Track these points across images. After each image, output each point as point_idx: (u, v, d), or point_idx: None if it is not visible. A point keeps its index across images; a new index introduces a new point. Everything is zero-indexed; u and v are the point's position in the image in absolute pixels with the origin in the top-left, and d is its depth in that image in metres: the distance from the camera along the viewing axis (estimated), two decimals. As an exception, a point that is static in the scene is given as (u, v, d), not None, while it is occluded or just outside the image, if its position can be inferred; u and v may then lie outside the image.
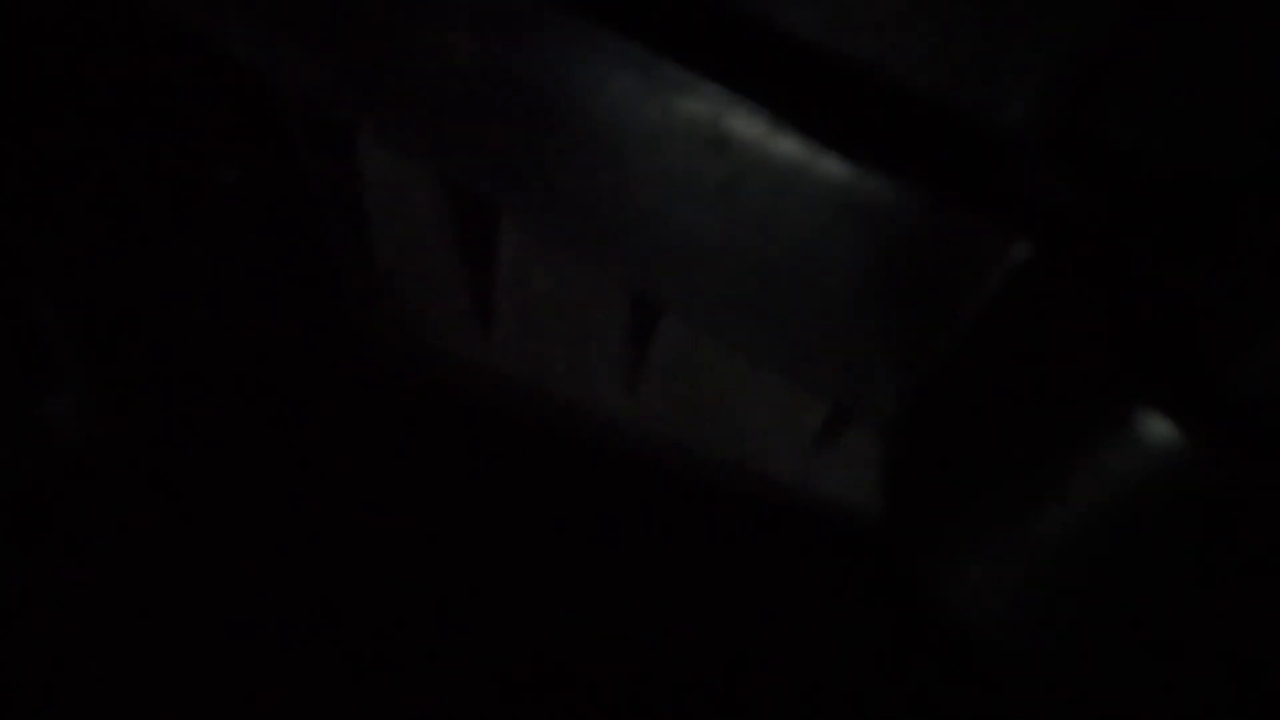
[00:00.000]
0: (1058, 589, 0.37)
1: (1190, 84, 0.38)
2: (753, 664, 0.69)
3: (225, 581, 0.68)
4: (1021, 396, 0.38)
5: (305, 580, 0.70)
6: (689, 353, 0.69)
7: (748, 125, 0.43)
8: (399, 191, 0.72)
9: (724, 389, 0.70)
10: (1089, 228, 0.38)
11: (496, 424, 0.76)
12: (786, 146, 0.42)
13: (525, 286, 0.72)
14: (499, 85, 0.47)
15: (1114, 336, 0.35)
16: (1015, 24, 0.39)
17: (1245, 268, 0.35)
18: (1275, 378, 0.33)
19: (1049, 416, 0.36)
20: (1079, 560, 0.36)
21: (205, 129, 0.77)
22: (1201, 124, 0.38)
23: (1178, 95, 0.38)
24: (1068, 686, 0.39)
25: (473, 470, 0.76)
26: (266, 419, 0.75)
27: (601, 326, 0.71)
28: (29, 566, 0.66)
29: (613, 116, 0.45)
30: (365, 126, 0.59)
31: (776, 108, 0.42)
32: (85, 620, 0.66)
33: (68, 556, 0.67)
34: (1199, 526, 0.34)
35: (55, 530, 0.68)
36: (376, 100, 0.52)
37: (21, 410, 0.69)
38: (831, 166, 0.42)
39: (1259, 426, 0.33)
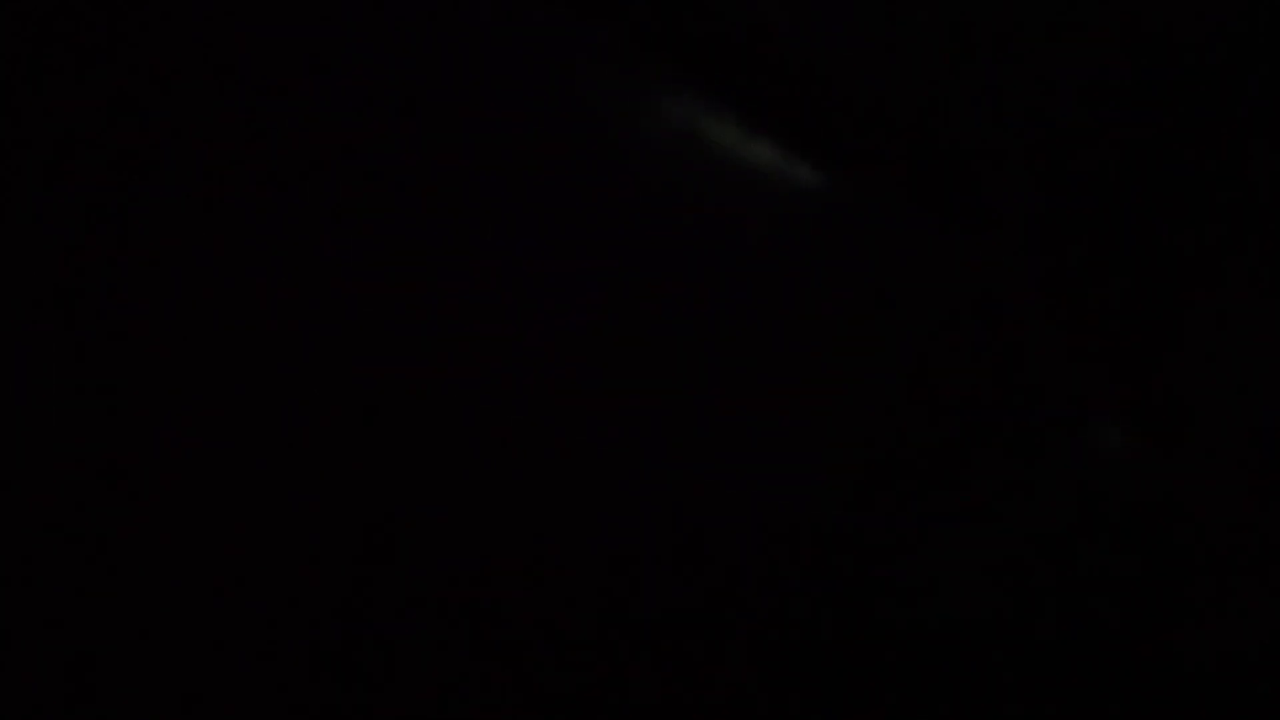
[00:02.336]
0: (1013, 589, 0.38)
1: (1162, 100, 0.39)
2: (723, 658, 0.69)
3: (197, 571, 0.68)
4: (978, 401, 0.38)
5: (282, 576, 0.69)
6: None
7: (722, 129, 0.43)
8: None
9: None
10: (1049, 237, 0.39)
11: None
12: (761, 151, 0.43)
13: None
14: (474, 79, 0.47)
15: (1068, 344, 0.35)
16: (992, 35, 0.40)
17: (1199, 277, 0.36)
18: (1225, 386, 0.34)
19: (1004, 422, 0.37)
20: (1031, 564, 0.37)
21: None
22: (1168, 140, 0.39)
23: (1148, 110, 0.39)
24: (1026, 685, 0.39)
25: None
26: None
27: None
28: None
29: (585, 116, 0.45)
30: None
31: (752, 112, 0.42)
32: (58, 617, 0.65)
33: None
34: (1148, 532, 0.35)
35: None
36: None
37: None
38: (805, 173, 0.42)
39: (1208, 434, 0.34)
